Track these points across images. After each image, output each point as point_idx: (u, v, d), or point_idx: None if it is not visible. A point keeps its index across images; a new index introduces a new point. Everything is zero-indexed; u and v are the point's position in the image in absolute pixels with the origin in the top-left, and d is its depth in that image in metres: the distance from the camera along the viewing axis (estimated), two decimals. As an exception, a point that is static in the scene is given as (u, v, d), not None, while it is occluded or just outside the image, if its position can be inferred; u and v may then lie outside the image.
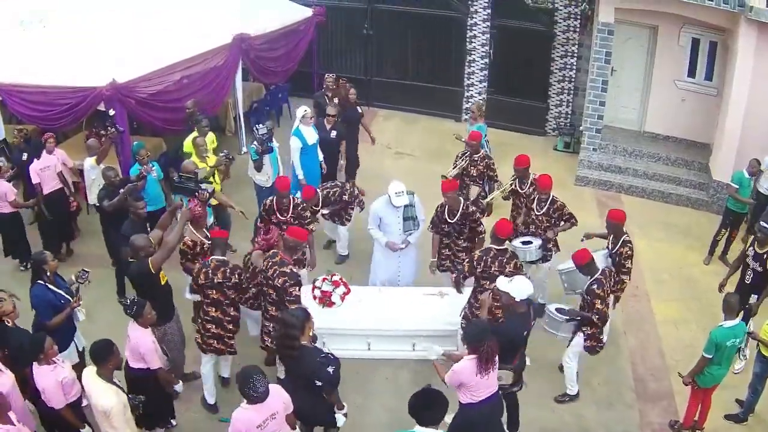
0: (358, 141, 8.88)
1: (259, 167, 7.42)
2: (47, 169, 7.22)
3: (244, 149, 10.15)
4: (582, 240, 6.31)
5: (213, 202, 6.89)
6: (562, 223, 6.39)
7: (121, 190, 6.41)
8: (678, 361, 6.31)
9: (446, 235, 6.37)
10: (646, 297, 7.21)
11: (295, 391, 4.32)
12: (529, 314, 4.87)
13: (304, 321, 4.35)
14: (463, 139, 7.48)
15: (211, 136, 7.72)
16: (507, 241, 6.72)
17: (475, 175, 7.20)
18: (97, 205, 6.79)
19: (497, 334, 4.51)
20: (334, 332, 5.57)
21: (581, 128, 10.22)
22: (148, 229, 5.95)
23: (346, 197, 6.94)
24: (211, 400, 5.48)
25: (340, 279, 5.92)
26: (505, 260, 5.40)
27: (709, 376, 5.13)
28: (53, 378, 4.30)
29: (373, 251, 6.63)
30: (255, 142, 7.38)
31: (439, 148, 10.12)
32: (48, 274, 5.12)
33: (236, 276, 5.17)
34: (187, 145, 7.50)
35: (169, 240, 5.11)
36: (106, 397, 4.13)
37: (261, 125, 7.48)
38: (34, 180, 7.21)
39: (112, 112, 7.19)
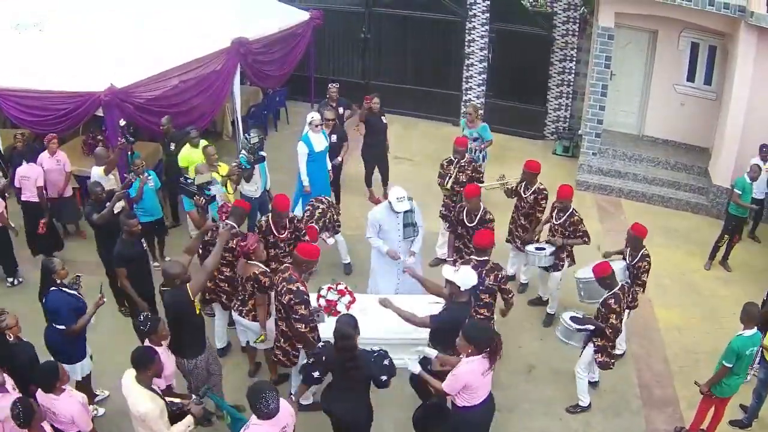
0: (387, 149, 8.79)
1: (248, 177, 7.25)
2: (26, 178, 7.07)
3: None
4: (598, 247, 6.30)
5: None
6: (576, 238, 6.39)
7: (108, 203, 6.29)
8: (682, 367, 6.34)
9: (458, 237, 6.38)
10: (649, 303, 7.19)
11: (347, 400, 4.45)
12: (469, 302, 4.97)
13: (356, 327, 4.43)
14: (504, 181, 7.25)
15: (204, 145, 7.61)
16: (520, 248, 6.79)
17: (464, 180, 7.16)
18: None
19: (439, 322, 4.71)
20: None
21: (580, 132, 10.24)
22: (144, 246, 5.78)
23: (336, 215, 6.89)
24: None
25: (345, 288, 5.86)
26: (484, 271, 5.31)
27: (726, 387, 5.11)
28: (76, 402, 4.22)
29: (371, 261, 6.54)
30: (244, 151, 7.24)
31: (438, 153, 10.02)
32: (58, 282, 5.08)
33: (232, 241, 5.43)
34: (183, 159, 7.34)
35: (208, 264, 4.93)
36: (142, 403, 4.07)
37: (252, 133, 7.34)
38: (17, 184, 7.13)
39: (122, 123, 7.04)
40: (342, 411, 4.57)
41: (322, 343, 4.86)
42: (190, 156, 7.34)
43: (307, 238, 6.03)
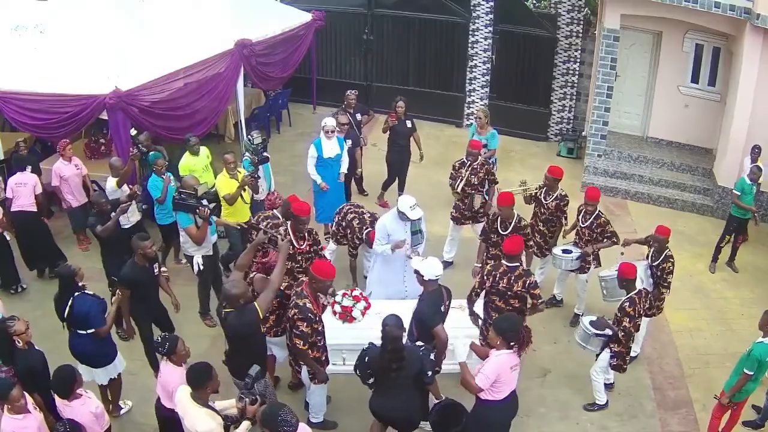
0: (411, 154, 8.57)
1: None
2: (22, 185, 6.87)
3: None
4: (621, 253, 6.33)
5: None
6: (605, 240, 6.42)
7: (113, 214, 6.13)
8: (694, 369, 6.36)
9: (494, 245, 6.36)
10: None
11: (397, 401, 4.44)
12: (440, 292, 5.00)
13: (402, 325, 4.40)
14: (526, 187, 7.09)
15: (204, 152, 7.46)
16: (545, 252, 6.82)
17: (476, 183, 7.14)
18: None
19: (419, 313, 4.77)
20: (356, 347, 5.41)
21: (583, 133, 10.26)
22: (156, 270, 5.63)
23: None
24: None
25: (360, 294, 5.78)
26: (513, 278, 5.28)
27: (744, 392, 5.12)
28: (87, 411, 4.13)
29: (372, 268, 6.43)
30: (248, 153, 7.14)
31: (442, 155, 10.02)
32: (80, 284, 5.05)
33: (263, 222, 5.53)
34: (183, 167, 7.19)
35: (274, 280, 4.66)
36: (202, 423, 3.93)
37: (255, 134, 7.24)
38: (8, 194, 6.94)
39: (134, 132, 6.88)
40: (391, 410, 4.53)
41: (368, 344, 4.75)
42: (190, 164, 7.21)
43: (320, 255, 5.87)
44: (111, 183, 6.79)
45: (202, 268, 6.38)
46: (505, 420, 4.67)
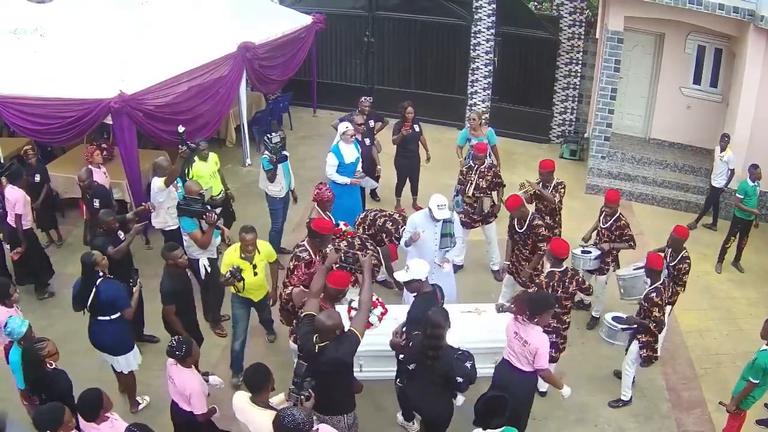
0: (420, 158, 8.53)
1: (272, 177, 7.12)
2: (7, 202, 6.62)
3: (248, 161, 9.90)
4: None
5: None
6: (622, 243, 6.50)
7: (120, 233, 5.93)
8: (706, 369, 6.40)
9: (514, 242, 6.46)
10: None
11: (426, 395, 4.44)
12: (435, 294, 5.04)
13: (447, 318, 4.37)
14: (527, 188, 6.97)
15: (213, 158, 7.37)
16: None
17: (484, 186, 7.15)
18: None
19: (413, 316, 4.81)
20: (373, 354, 5.37)
21: (586, 135, 10.29)
22: (189, 274, 5.52)
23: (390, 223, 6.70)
24: None
25: (377, 299, 5.70)
26: (567, 280, 5.46)
27: (751, 399, 5.15)
28: None
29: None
30: (267, 152, 7.10)
31: (445, 158, 9.97)
32: (101, 273, 5.05)
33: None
34: (195, 171, 7.07)
35: (364, 300, 4.44)
36: (269, 426, 3.78)
37: (273, 134, 7.21)
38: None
39: (181, 129, 6.67)
40: (421, 403, 4.54)
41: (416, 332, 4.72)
42: (198, 170, 7.10)
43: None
44: (158, 183, 6.55)
45: (209, 270, 6.31)
46: (496, 382, 4.80)
